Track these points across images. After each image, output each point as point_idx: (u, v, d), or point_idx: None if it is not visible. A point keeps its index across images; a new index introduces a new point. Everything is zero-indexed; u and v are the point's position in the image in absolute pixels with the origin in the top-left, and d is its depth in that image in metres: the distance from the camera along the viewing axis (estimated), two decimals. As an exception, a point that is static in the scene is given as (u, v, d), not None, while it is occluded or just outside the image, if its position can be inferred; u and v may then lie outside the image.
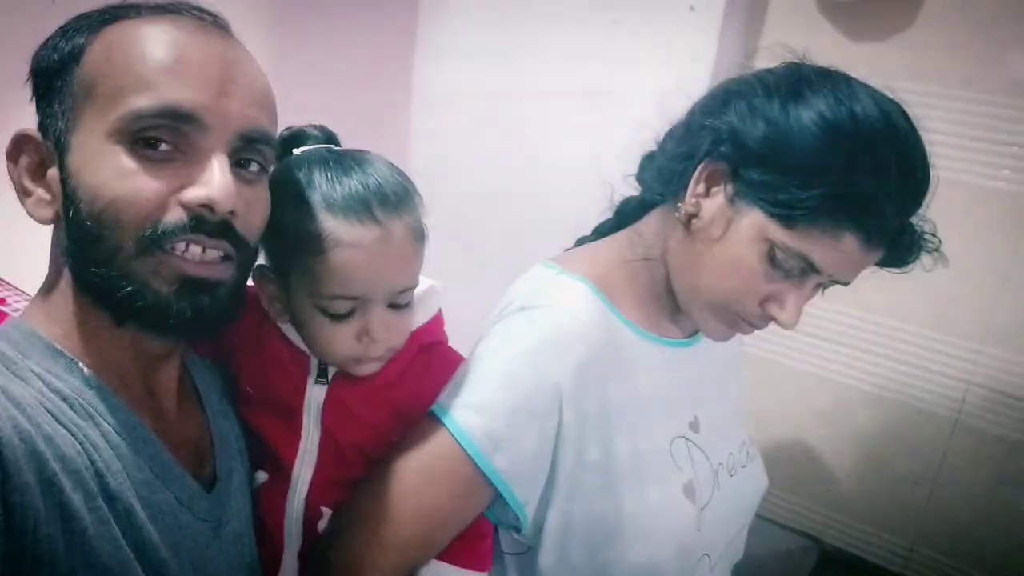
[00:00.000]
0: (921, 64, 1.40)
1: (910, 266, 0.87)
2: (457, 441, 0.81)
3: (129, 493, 0.64)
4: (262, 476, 0.86)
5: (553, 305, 0.87)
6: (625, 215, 1.02)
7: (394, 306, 0.81)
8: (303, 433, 0.84)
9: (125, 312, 0.67)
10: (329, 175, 0.78)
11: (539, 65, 1.71)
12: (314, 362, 0.84)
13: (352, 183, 0.77)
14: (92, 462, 0.62)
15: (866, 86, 0.83)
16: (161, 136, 0.64)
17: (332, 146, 0.84)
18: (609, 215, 1.05)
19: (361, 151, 0.82)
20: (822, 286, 0.88)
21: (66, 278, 0.68)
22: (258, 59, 0.72)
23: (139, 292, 0.65)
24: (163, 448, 0.70)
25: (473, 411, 0.82)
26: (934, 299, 1.47)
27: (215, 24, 0.70)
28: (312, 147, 0.82)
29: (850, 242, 0.81)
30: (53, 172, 0.66)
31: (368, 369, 0.83)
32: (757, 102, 0.83)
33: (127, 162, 0.63)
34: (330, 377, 0.84)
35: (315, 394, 0.84)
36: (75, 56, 0.65)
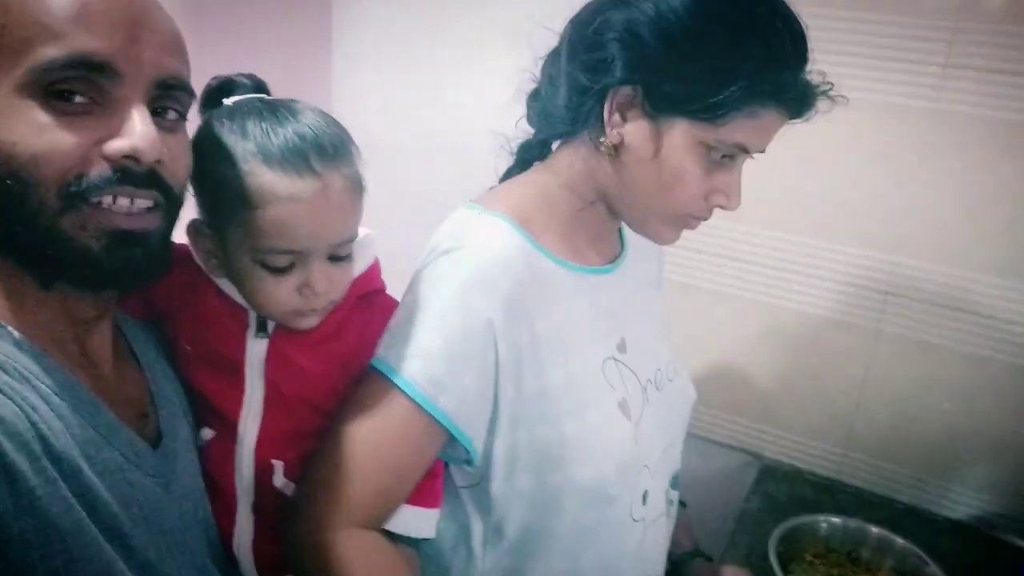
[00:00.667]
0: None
1: (810, 114, 0.90)
2: (403, 391, 0.83)
3: (74, 452, 0.63)
4: (208, 433, 0.86)
5: (476, 244, 0.88)
6: (528, 159, 1.04)
7: (334, 258, 0.80)
8: (246, 388, 0.84)
9: (53, 272, 0.66)
10: (264, 126, 0.76)
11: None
12: (253, 316, 0.83)
13: (288, 134, 0.75)
14: (33, 424, 0.60)
15: None
16: (74, 88, 0.62)
17: (263, 96, 0.82)
18: (510, 162, 1.06)
19: (293, 100, 0.81)
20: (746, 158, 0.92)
21: None
22: (175, 10, 0.70)
23: (67, 249, 0.63)
24: (104, 406, 0.69)
25: (413, 359, 0.83)
26: (849, 215, 1.52)
27: None
28: (243, 96, 0.80)
29: (771, 115, 0.86)
30: None
31: (308, 323, 0.83)
32: (634, 16, 0.85)
33: (41, 116, 0.61)
34: (270, 331, 0.84)
35: (256, 348, 0.84)
36: None
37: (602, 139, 0.90)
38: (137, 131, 0.64)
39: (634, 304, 1.06)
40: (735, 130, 0.85)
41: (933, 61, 1.39)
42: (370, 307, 0.88)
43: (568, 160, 0.96)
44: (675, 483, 1.12)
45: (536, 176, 1.00)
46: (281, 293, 0.79)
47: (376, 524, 0.85)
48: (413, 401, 0.83)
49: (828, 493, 1.63)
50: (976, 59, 1.36)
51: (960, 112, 1.39)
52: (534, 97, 1.00)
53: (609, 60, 0.87)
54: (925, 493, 1.60)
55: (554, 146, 1.01)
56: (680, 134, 0.87)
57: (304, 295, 0.79)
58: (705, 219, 0.94)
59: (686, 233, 0.97)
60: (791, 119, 0.89)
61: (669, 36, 0.84)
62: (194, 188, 0.77)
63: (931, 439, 1.56)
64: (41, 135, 0.61)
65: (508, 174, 1.06)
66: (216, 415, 0.85)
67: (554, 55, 0.96)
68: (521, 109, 1.02)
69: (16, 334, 0.65)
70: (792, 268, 1.61)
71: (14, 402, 0.60)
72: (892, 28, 1.41)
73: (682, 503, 1.19)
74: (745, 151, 0.88)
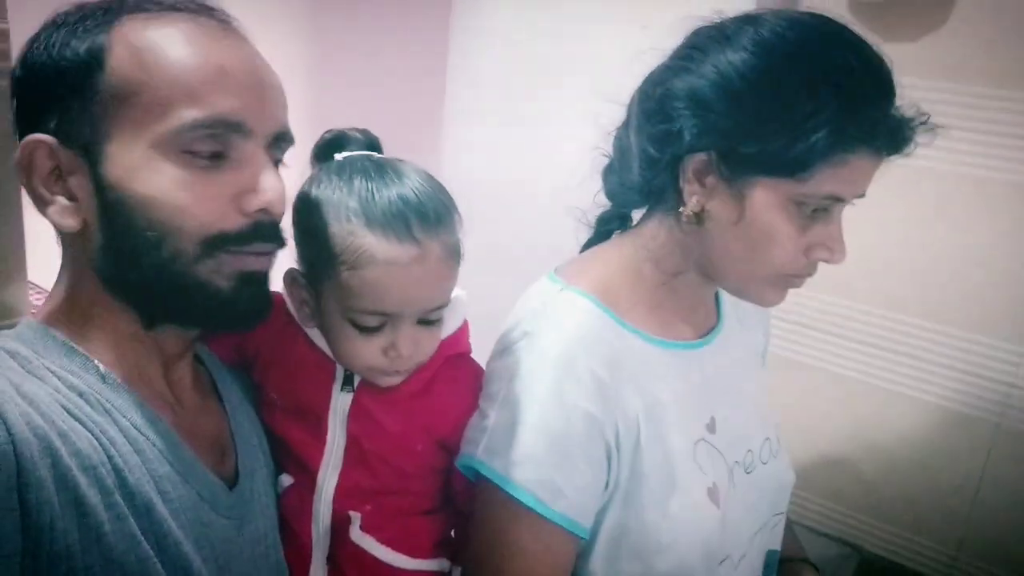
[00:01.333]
0: (955, 63, 1.37)
1: (910, 150, 0.84)
2: (519, 501, 0.83)
3: (149, 488, 0.64)
4: (287, 480, 0.87)
5: (556, 327, 0.87)
6: (608, 231, 1.02)
7: (424, 322, 0.81)
8: (328, 438, 0.84)
9: (168, 312, 0.69)
10: (369, 185, 0.77)
11: (564, 72, 1.72)
12: (340, 368, 0.84)
13: (392, 196, 0.76)
14: (110, 457, 0.62)
15: (768, 14, 0.83)
16: (207, 145, 0.65)
17: (373, 153, 0.83)
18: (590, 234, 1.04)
19: (401, 161, 0.82)
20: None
21: (88, 281, 0.69)
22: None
23: (200, 292, 0.67)
24: (183, 444, 0.70)
25: (523, 466, 0.83)
26: (973, 301, 1.43)
27: (231, 25, 0.71)
28: (353, 153, 0.82)
29: (861, 159, 0.81)
30: (79, 180, 0.66)
31: (391, 381, 0.83)
32: (695, 83, 0.83)
33: (178, 171, 0.65)
34: (355, 385, 0.84)
35: (341, 401, 0.84)
36: (95, 58, 0.64)
37: (681, 209, 0.88)
38: (273, 187, 0.69)
39: (729, 379, 1.01)
40: (823, 182, 0.81)
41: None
42: (455, 370, 0.88)
43: (652, 232, 0.93)
44: (771, 568, 1.06)
45: (621, 248, 0.97)
46: (367, 352, 0.80)
47: None
48: (533, 511, 0.83)
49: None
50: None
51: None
52: (608, 171, 0.98)
53: (676, 129, 0.84)
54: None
55: (636, 215, 0.98)
56: (763, 194, 0.83)
57: (389, 356, 0.80)
58: (810, 275, 0.89)
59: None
60: (888, 156, 0.84)
61: (735, 96, 0.81)
62: (296, 238, 0.79)
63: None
64: (181, 190, 0.65)
65: (587, 245, 1.04)
66: (296, 463, 0.86)
67: (623, 128, 0.94)
68: (596, 182, 1.00)
69: (102, 367, 0.67)
70: (909, 352, 1.52)
71: (93, 435, 0.62)
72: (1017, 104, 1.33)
73: None
74: (841, 200, 0.84)
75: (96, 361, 0.67)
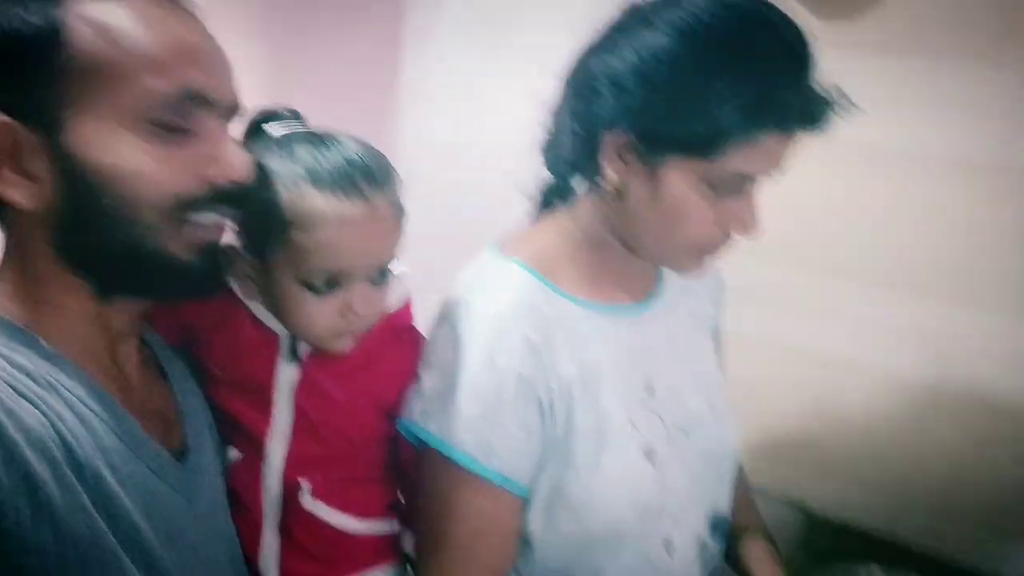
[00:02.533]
0: (889, 39, 1.40)
1: (823, 126, 0.86)
2: (458, 463, 0.87)
3: (98, 461, 0.64)
4: (234, 453, 0.88)
5: (488, 295, 0.91)
6: (549, 201, 1.06)
7: (374, 281, 0.84)
8: (274, 412, 0.86)
9: (126, 283, 0.72)
10: (312, 151, 0.79)
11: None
12: (284, 341, 0.86)
13: (336, 159, 0.79)
14: (58, 432, 0.62)
15: None
16: (171, 116, 0.67)
17: (307, 126, 0.85)
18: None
19: (332, 130, 0.84)
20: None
21: (38, 261, 0.69)
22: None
23: (161, 262, 0.70)
24: (131, 417, 0.71)
25: (458, 428, 0.87)
26: (908, 265, 1.47)
27: (180, 3, 0.72)
28: (287, 125, 0.84)
29: (770, 139, 0.82)
30: (37, 158, 0.65)
31: (344, 344, 0.85)
32: (615, 64, 0.86)
33: (143, 143, 0.66)
34: (302, 357, 0.86)
35: (287, 374, 0.86)
36: (52, 34, 0.64)
37: (601, 184, 0.91)
38: (240, 158, 0.72)
39: (669, 344, 1.04)
40: (734, 161, 0.83)
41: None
42: (400, 342, 0.91)
43: (584, 204, 0.98)
44: (717, 531, 1.09)
45: (557, 220, 1.01)
46: (323, 315, 0.82)
47: None
48: (470, 471, 0.87)
49: (878, 548, 1.55)
50: None
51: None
52: (547, 146, 1.02)
53: (596, 108, 0.88)
54: (984, 554, 1.50)
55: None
56: (676, 173, 0.85)
57: (346, 317, 0.82)
58: (726, 246, 0.92)
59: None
60: (801, 134, 0.86)
61: (648, 79, 0.83)
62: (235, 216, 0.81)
63: (989, 496, 1.48)
64: (147, 162, 0.66)
65: (534, 218, 1.08)
66: (243, 436, 0.88)
67: (558, 104, 0.97)
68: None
69: (46, 345, 0.68)
70: (849, 317, 1.55)
71: (40, 410, 0.62)
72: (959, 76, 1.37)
73: (726, 556, 1.15)
74: (751, 178, 0.86)
75: (41, 339, 0.68)
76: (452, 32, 1.93)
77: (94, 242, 0.68)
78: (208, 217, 0.72)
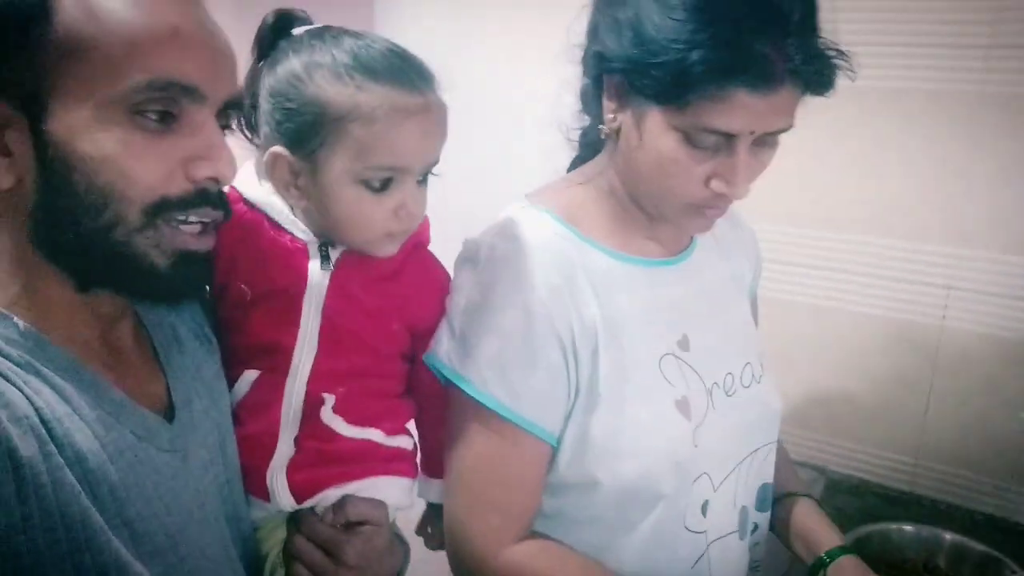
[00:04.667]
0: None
1: (829, 88, 0.83)
2: (483, 404, 0.87)
3: (79, 436, 0.62)
4: (251, 374, 0.85)
5: (516, 241, 0.90)
6: (588, 146, 1.04)
7: (421, 181, 0.82)
8: (302, 321, 0.83)
9: (103, 280, 0.68)
10: (359, 43, 0.77)
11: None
12: (314, 248, 0.84)
13: (385, 51, 0.77)
14: (37, 409, 0.60)
15: None
16: (158, 107, 0.64)
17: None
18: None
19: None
20: (763, 143, 0.86)
21: (15, 241, 0.65)
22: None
23: (135, 264, 0.66)
24: (112, 387, 0.68)
25: (484, 370, 0.87)
26: (902, 209, 1.49)
27: None
28: (315, 26, 0.81)
29: (741, 95, 0.79)
30: (15, 135, 0.62)
31: (393, 248, 0.84)
32: (617, 6, 0.85)
33: (126, 134, 0.62)
34: (333, 263, 0.84)
35: (318, 280, 0.83)
36: (41, 6, 0.60)
37: (601, 127, 0.92)
38: (224, 156, 0.68)
39: (703, 301, 1.01)
40: (702, 113, 0.80)
41: (977, 43, 1.37)
42: (421, 259, 0.90)
43: (607, 153, 0.97)
44: (763, 503, 1.05)
45: (587, 170, 1.00)
46: (379, 214, 0.80)
47: (528, 530, 0.93)
48: (496, 413, 0.87)
49: (900, 505, 1.55)
50: (1022, 37, 1.33)
51: (1008, 93, 1.36)
52: (580, 93, 1.00)
53: (600, 50, 0.88)
54: (1006, 501, 1.50)
55: None
56: (653, 120, 0.85)
57: (399, 216, 0.80)
58: (720, 206, 0.90)
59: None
60: (804, 92, 0.83)
61: (640, 22, 0.82)
62: (277, 120, 0.78)
63: (1006, 441, 1.48)
64: (129, 153, 0.63)
65: (575, 163, 1.06)
66: (269, 351, 0.85)
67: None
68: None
69: (21, 324, 0.64)
70: (845, 268, 1.57)
71: (17, 387, 0.59)
72: (933, 14, 1.40)
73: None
74: (731, 134, 0.82)
75: (15, 318, 0.64)
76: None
77: (67, 232, 0.64)
78: (190, 222, 0.68)
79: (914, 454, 1.57)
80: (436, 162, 0.82)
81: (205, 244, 0.70)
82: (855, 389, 1.61)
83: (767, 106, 0.80)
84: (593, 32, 0.90)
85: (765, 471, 1.05)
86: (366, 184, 0.78)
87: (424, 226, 0.90)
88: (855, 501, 1.56)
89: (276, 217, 0.84)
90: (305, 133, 0.78)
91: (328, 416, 0.85)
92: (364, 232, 0.81)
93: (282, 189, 0.82)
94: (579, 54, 0.94)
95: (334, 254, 0.84)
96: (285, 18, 0.82)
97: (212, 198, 0.68)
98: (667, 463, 0.91)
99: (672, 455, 0.91)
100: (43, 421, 0.60)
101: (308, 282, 0.83)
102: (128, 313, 0.75)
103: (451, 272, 0.94)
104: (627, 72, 0.85)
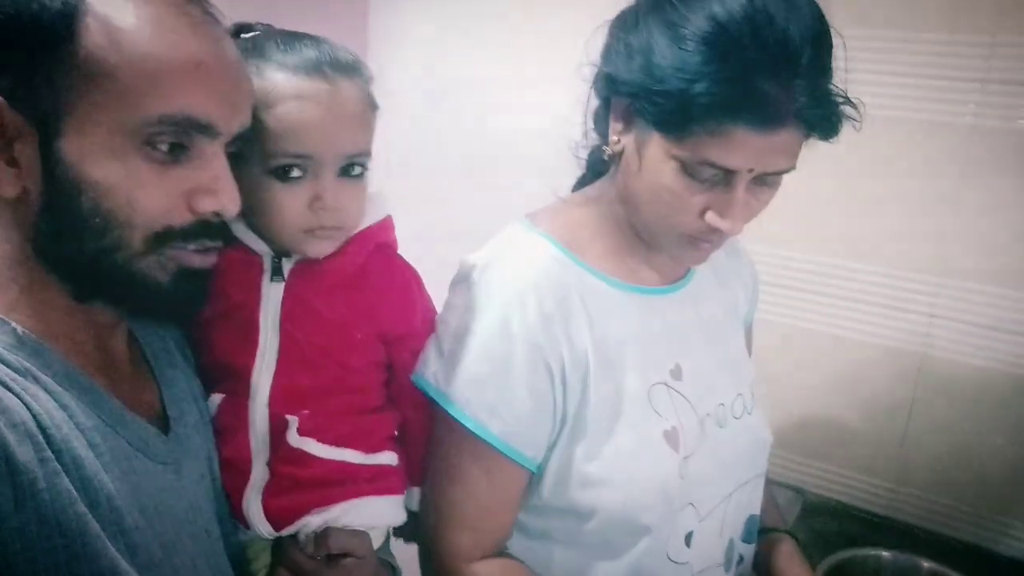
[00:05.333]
0: (865, 11, 1.42)
1: (833, 134, 0.83)
2: (463, 425, 0.87)
3: (77, 443, 0.62)
4: (217, 398, 0.85)
5: (510, 262, 0.91)
6: (593, 166, 1.04)
7: (347, 176, 0.80)
8: (260, 338, 0.82)
9: (102, 295, 0.68)
10: (281, 44, 0.78)
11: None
12: (268, 260, 0.83)
13: (305, 49, 0.78)
14: (34, 415, 0.60)
15: None
16: (170, 140, 0.64)
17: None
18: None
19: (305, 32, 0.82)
20: (763, 182, 0.85)
21: (15, 248, 0.66)
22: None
23: (138, 284, 0.66)
24: (109, 395, 0.69)
25: (465, 389, 0.87)
26: (891, 237, 1.49)
27: (212, 15, 0.68)
28: (260, 31, 0.81)
29: (741, 133, 0.78)
30: (25, 147, 0.62)
31: (321, 248, 0.82)
32: (631, 31, 0.85)
33: (137, 162, 0.63)
34: (286, 274, 0.83)
35: (272, 293, 0.83)
36: (66, 24, 0.60)
37: (605, 148, 0.92)
38: (227, 189, 0.68)
39: (698, 331, 1.01)
40: (702, 146, 0.80)
41: (973, 77, 1.37)
42: (387, 260, 0.88)
43: (610, 178, 0.96)
44: (750, 534, 1.05)
45: (589, 192, 1.00)
46: (292, 205, 0.79)
47: (499, 548, 0.95)
48: (475, 435, 0.87)
49: (879, 530, 1.54)
50: (1016, 72, 1.34)
51: (1000, 128, 1.36)
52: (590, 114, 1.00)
53: (610, 71, 0.88)
54: (984, 530, 1.50)
55: None
56: (654, 147, 0.85)
57: (314, 210, 0.79)
58: (714, 241, 0.89)
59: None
60: (809, 135, 0.82)
61: (647, 49, 0.82)
62: None
63: (988, 471, 1.48)
64: (136, 183, 0.63)
65: (579, 182, 1.06)
66: (229, 374, 0.84)
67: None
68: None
69: (19, 329, 0.64)
70: (830, 292, 1.56)
71: (14, 393, 0.59)
72: (930, 45, 1.40)
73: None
74: (729, 170, 0.82)
75: (13, 324, 0.64)
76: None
77: (69, 249, 0.65)
78: (193, 243, 0.69)
79: (894, 479, 1.57)
80: (358, 154, 0.81)
81: (206, 262, 0.71)
82: (836, 412, 1.60)
83: (767, 145, 0.80)
84: (606, 54, 0.90)
85: (753, 502, 1.05)
86: (274, 173, 0.78)
87: (386, 226, 0.89)
88: (833, 524, 1.55)
89: (233, 229, 0.82)
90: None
91: (295, 439, 0.83)
92: (283, 228, 0.80)
93: None
94: (592, 73, 0.94)
95: (287, 265, 0.83)
96: (243, 27, 0.82)
97: (213, 230, 0.69)
98: (653, 494, 0.91)
99: (658, 486, 0.91)
100: (40, 427, 0.59)
101: (262, 297, 0.82)
102: (122, 322, 0.75)
103: (421, 276, 0.92)
104: (633, 96, 0.85)
